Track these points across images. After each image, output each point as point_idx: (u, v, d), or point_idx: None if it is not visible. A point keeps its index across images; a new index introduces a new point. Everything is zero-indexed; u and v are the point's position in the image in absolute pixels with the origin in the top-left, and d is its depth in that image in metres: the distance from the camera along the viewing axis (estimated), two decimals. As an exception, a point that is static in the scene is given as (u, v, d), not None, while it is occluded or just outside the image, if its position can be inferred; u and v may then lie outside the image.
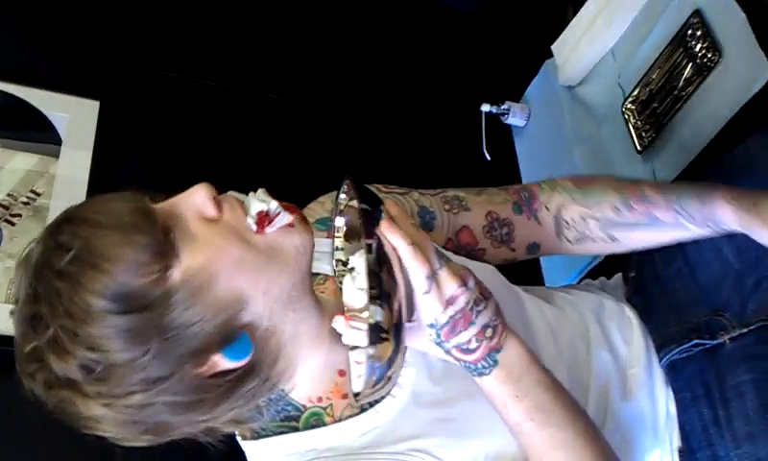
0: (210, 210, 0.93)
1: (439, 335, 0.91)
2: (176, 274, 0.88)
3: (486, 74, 2.52)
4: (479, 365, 0.93)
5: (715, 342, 1.20)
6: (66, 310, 0.84)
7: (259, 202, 0.96)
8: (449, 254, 1.00)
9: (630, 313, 1.31)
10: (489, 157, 2.31)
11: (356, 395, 0.93)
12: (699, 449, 1.18)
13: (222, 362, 0.91)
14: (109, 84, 2.11)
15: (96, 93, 2.07)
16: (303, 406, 1.02)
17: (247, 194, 0.98)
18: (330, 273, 1.12)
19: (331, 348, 1.01)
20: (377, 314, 0.85)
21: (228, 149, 2.18)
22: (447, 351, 0.93)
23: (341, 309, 0.96)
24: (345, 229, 1.05)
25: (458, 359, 0.93)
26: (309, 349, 1.00)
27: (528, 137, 2.45)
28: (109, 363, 0.85)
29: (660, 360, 1.25)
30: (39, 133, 2.00)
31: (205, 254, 0.90)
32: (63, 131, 2.01)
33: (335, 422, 1.02)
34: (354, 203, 1.00)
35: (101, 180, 1.96)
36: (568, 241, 1.28)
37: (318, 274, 1.15)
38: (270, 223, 0.95)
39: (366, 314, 0.88)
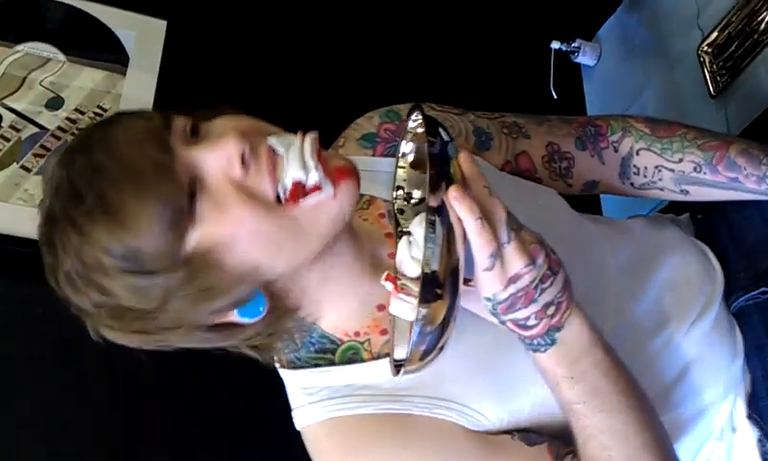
0: (236, 171, 0.82)
1: (495, 308, 0.84)
2: (192, 241, 0.82)
3: (558, 11, 2.44)
4: (535, 342, 0.87)
5: (783, 291, 1.17)
6: (78, 257, 0.82)
7: (298, 166, 0.83)
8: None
9: (704, 247, 1.27)
10: (555, 96, 2.27)
11: (398, 365, 0.84)
12: (761, 398, 1.15)
13: (236, 319, 0.89)
14: (177, 4, 2.11)
15: (164, 12, 2.08)
16: (340, 340, 0.98)
17: (295, 133, 0.86)
18: (376, 195, 1.08)
19: (370, 281, 0.96)
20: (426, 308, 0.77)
21: (295, 72, 2.17)
22: (503, 323, 0.86)
23: (386, 236, 0.91)
24: (412, 156, 0.95)
25: (513, 331, 0.87)
26: (342, 286, 0.96)
27: (597, 77, 2.40)
28: (123, 307, 0.84)
29: (729, 306, 1.21)
30: (106, 51, 2.01)
31: (225, 222, 0.82)
32: (131, 49, 2.02)
33: (373, 358, 0.97)
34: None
35: (166, 101, 1.97)
36: (632, 185, 1.21)
37: (361, 195, 1.05)
38: (305, 196, 0.83)
39: (417, 288, 0.79)
